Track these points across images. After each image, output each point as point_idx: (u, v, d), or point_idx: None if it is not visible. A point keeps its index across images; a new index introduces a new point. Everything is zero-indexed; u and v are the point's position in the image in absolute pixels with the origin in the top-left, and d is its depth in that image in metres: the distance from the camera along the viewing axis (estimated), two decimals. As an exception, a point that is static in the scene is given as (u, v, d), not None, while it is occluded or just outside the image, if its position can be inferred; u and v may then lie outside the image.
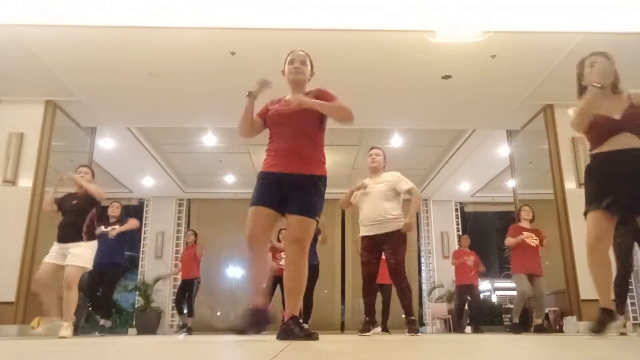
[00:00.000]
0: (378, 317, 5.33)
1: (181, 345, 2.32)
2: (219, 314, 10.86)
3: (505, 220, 6.29)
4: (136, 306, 9.92)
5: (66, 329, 4.40)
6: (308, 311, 5.96)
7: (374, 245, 4.36)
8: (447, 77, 5.73)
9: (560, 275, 6.02)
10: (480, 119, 7.04)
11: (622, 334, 3.94)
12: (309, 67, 3.05)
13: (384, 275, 4.49)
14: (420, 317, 10.97)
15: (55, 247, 4.65)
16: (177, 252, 10.45)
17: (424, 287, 11.10)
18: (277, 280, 5.87)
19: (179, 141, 8.34)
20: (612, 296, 2.92)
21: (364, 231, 4.42)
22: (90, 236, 4.71)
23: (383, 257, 4.42)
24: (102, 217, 6.04)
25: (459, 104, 6.46)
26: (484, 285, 13.78)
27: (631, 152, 2.81)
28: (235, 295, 10.98)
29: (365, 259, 4.41)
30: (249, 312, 2.84)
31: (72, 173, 4.83)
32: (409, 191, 4.38)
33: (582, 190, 3.06)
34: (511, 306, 6.37)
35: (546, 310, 6.16)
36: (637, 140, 2.82)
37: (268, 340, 2.69)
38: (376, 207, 4.31)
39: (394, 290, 4.68)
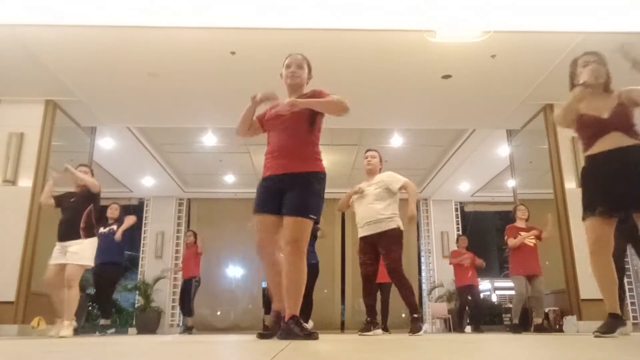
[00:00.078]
0: (379, 317, 5.33)
1: (181, 345, 2.32)
2: (219, 313, 10.86)
3: (505, 220, 6.30)
4: (136, 306, 9.93)
5: (67, 328, 4.41)
6: (308, 311, 5.97)
7: (370, 246, 4.43)
8: (447, 77, 5.73)
9: (560, 275, 6.03)
10: (480, 119, 7.04)
11: (623, 333, 3.95)
12: (306, 70, 3.05)
13: (383, 274, 4.51)
14: (420, 316, 10.97)
15: (57, 247, 4.70)
16: (177, 252, 10.46)
17: (424, 286, 11.10)
18: None
19: (179, 141, 8.34)
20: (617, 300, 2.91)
21: (360, 232, 4.52)
22: (89, 233, 4.72)
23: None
24: (101, 217, 6.06)
25: (459, 104, 6.46)
26: (484, 285, 13.79)
27: (619, 151, 2.81)
28: (235, 295, 10.99)
29: (362, 259, 4.49)
30: (273, 315, 2.88)
31: (69, 165, 4.84)
32: (403, 187, 4.41)
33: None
34: (511, 306, 6.38)
35: (546, 310, 6.17)
36: (625, 139, 2.82)
37: (268, 340, 2.69)
38: (368, 209, 4.41)
39: (394, 289, 4.67)
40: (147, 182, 9.92)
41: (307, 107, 2.83)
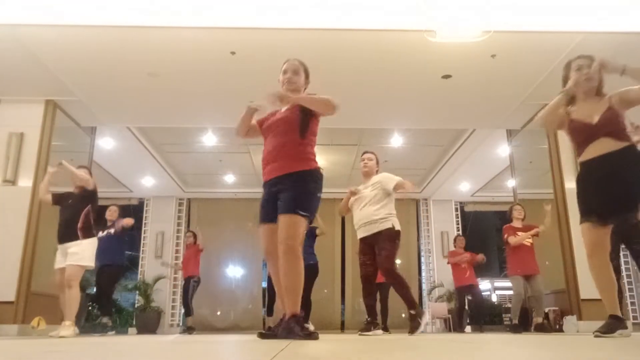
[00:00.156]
0: (380, 317, 5.34)
1: (181, 345, 2.32)
2: (219, 313, 10.86)
3: (505, 220, 6.33)
4: (136, 306, 9.93)
5: (67, 328, 4.41)
6: (307, 311, 5.97)
7: (369, 247, 4.47)
8: (447, 76, 5.73)
9: (560, 274, 6.03)
10: (480, 119, 7.04)
11: (624, 335, 3.94)
12: (303, 76, 3.07)
13: (381, 274, 4.53)
14: (420, 311, 10.95)
15: (58, 250, 4.74)
16: (177, 252, 10.46)
17: (424, 286, 11.11)
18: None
19: (179, 141, 8.34)
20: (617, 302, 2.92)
21: (358, 234, 4.60)
22: (87, 233, 4.72)
23: None
24: (101, 219, 6.08)
25: (459, 104, 6.46)
26: (484, 285, 13.80)
27: (610, 156, 2.82)
28: (235, 295, 10.99)
29: (362, 260, 4.54)
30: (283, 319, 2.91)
31: (64, 160, 4.84)
32: (397, 185, 4.44)
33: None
34: (510, 306, 6.39)
35: (546, 310, 6.18)
36: (615, 143, 2.82)
37: (268, 340, 2.69)
38: (364, 210, 4.48)
39: (392, 289, 4.68)
40: (147, 182, 9.92)
41: (296, 102, 2.87)
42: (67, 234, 4.70)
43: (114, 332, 6.36)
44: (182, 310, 9.31)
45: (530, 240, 5.89)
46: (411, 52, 5.22)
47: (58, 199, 4.93)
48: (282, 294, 2.96)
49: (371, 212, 4.42)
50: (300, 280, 2.75)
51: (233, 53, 5.21)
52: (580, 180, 2.97)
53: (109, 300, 6.44)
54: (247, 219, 10.48)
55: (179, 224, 10.85)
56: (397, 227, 4.40)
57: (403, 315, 10.46)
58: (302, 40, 5.00)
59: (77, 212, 4.74)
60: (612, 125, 2.84)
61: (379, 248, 4.34)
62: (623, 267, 7.75)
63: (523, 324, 6.03)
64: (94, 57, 5.28)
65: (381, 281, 5.05)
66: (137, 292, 9.89)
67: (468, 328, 8.16)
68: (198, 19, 4.75)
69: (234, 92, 5.88)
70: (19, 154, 5.89)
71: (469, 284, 7.63)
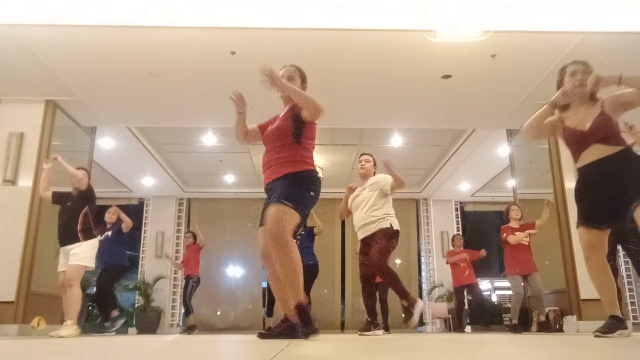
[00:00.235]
0: (381, 318, 5.35)
1: (181, 345, 2.32)
2: (219, 313, 10.86)
3: (504, 220, 6.35)
4: (136, 305, 9.94)
5: (68, 328, 4.42)
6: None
7: (367, 248, 4.50)
8: (447, 76, 5.73)
9: (560, 274, 6.03)
10: (480, 119, 7.04)
11: (624, 335, 3.95)
12: (298, 82, 3.09)
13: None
14: (421, 316, 10.97)
15: (60, 253, 4.76)
16: (177, 252, 10.46)
17: (424, 286, 11.11)
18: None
19: (179, 141, 8.34)
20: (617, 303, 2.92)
21: (358, 236, 4.65)
22: (87, 235, 4.74)
23: None
24: (100, 220, 6.08)
25: (459, 104, 6.46)
26: (484, 285, 13.79)
27: (603, 161, 2.84)
28: (235, 295, 11.00)
29: (361, 260, 4.58)
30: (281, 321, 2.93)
31: (58, 155, 4.84)
32: (393, 185, 4.47)
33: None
34: (510, 305, 6.40)
35: (546, 310, 6.18)
36: (607, 148, 2.83)
37: (268, 340, 2.69)
38: (362, 212, 4.53)
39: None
40: (147, 182, 9.92)
41: (285, 92, 2.90)
42: (67, 237, 4.72)
43: (124, 319, 6.37)
44: (182, 310, 9.33)
45: (527, 240, 5.91)
46: (411, 52, 5.22)
47: (58, 198, 4.94)
48: (279, 297, 2.98)
49: (369, 213, 4.47)
50: (294, 268, 2.72)
51: (233, 53, 5.21)
52: (577, 187, 3.00)
53: (112, 297, 6.46)
54: (247, 219, 10.49)
55: (179, 224, 10.85)
56: (396, 226, 4.42)
57: (403, 315, 10.48)
58: (302, 40, 5.00)
59: (75, 213, 4.76)
60: (603, 130, 2.85)
61: (373, 243, 4.38)
62: (623, 267, 7.77)
63: (523, 324, 6.03)
64: (94, 57, 5.27)
65: (380, 281, 5.06)
66: (137, 292, 9.90)
67: (468, 328, 8.16)
68: (198, 19, 4.75)
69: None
70: (19, 154, 5.89)
71: (468, 283, 7.63)
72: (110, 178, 9.40)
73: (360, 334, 4.29)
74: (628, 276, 8.31)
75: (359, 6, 4.74)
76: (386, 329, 5.88)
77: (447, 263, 8.08)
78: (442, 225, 11.00)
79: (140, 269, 10.46)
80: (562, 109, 3.09)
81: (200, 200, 11.11)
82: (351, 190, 4.74)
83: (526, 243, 5.89)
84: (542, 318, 5.65)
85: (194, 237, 8.25)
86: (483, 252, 7.82)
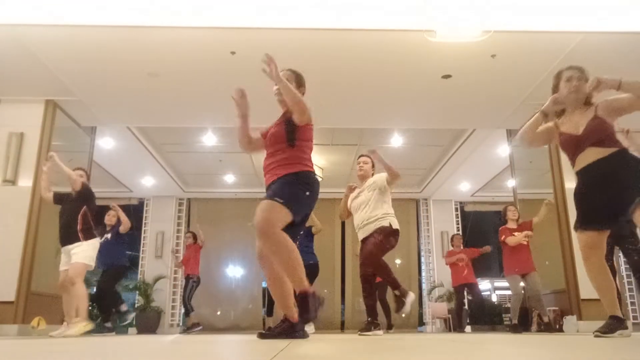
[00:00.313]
0: (381, 318, 5.36)
1: (181, 345, 2.32)
2: (219, 313, 10.86)
3: (503, 221, 6.36)
4: (136, 306, 9.94)
5: (75, 325, 4.49)
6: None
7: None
8: (447, 76, 5.73)
9: (560, 274, 6.03)
10: (480, 119, 7.03)
11: (624, 335, 3.95)
12: (293, 85, 3.08)
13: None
14: (420, 316, 10.98)
15: (62, 253, 4.81)
16: (177, 252, 10.46)
17: (424, 286, 11.11)
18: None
19: (179, 141, 8.34)
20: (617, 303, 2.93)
21: (359, 236, 4.66)
22: (88, 235, 4.78)
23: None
24: (100, 220, 6.09)
25: (459, 104, 6.46)
26: (484, 285, 13.78)
27: (595, 165, 2.86)
28: (235, 295, 11.00)
29: (361, 261, 4.56)
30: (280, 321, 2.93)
31: (55, 157, 4.85)
32: (388, 179, 4.48)
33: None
34: (510, 305, 6.40)
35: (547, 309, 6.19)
36: (602, 150, 2.85)
37: (268, 340, 2.69)
38: (362, 213, 4.55)
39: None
40: (147, 182, 9.92)
41: (279, 85, 2.90)
42: (67, 237, 4.77)
43: (134, 314, 6.40)
44: (182, 310, 9.34)
45: (526, 240, 5.92)
46: (411, 52, 5.22)
47: (59, 199, 4.98)
48: (277, 298, 2.98)
49: (368, 215, 4.49)
50: (290, 255, 2.71)
51: (233, 53, 5.21)
52: (576, 190, 3.02)
53: (116, 295, 6.50)
54: (247, 219, 10.45)
55: (179, 224, 10.85)
56: (395, 225, 4.44)
57: (403, 315, 10.48)
58: (302, 40, 5.00)
59: (74, 214, 4.80)
60: (597, 134, 2.87)
61: (370, 237, 4.41)
62: (623, 267, 7.76)
63: (523, 324, 6.03)
64: (94, 57, 5.28)
65: (380, 281, 5.07)
66: (137, 292, 9.90)
67: (468, 328, 8.15)
68: (198, 19, 4.75)
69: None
70: (19, 154, 5.89)
71: (467, 283, 7.62)
72: (110, 178, 9.39)
73: (360, 334, 4.29)
74: (628, 276, 8.29)
75: (359, 6, 4.73)
76: (389, 327, 5.86)
77: (446, 264, 8.08)
78: (442, 225, 11.00)
79: (140, 269, 10.46)
80: (557, 115, 3.12)
81: (200, 200, 11.11)
82: (351, 189, 4.75)
83: (525, 242, 5.90)
84: (546, 319, 5.63)
85: (194, 237, 8.26)
86: (487, 248, 7.79)
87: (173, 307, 10.32)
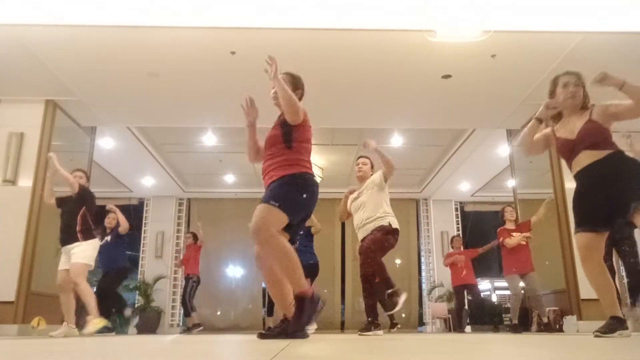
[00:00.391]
0: (383, 318, 5.35)
1: (181, 345, 2.32)
2: (219, 313, 10.86)
3: (501, 221, 6.37)
4: (136, 305, 9.94)
5: (90, 324, 4.58)
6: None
7: None
8: (447, 76, 5.73)
9: (560, 274, 6.03)
10: (480, 119, 7.03)
11: (624, 335, 3.95)
12: (289, 87, 3.08)
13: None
14: (420, 316, 10.99)
15: (62, 252, 4.84)
16: (177, 252, 10.46)
17: (424, 286, 11.11)
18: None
19: (179, 141, 8.34)
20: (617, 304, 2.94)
21: (358, 236, 4.66)
22: (87, 235, 4.82)
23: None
24: (100, 222, 6.10)
25: (459, 104, 6.46)
26: (484, 285, 13.78)
27: (590, 167, 2.87)
28: (235, 295, 11.00)
29: (361, 261, 4.55)
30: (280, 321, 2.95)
31: (54, 158, 4.86)
32: (383, 173, 4.50)
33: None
34: (510, 306, 6.41)
35: (547, 310, 6.19)
36: (596, 153, 2.86)
37: (268, 340, 2.69)
38: (361, 213, 4.57)
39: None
40: (147, 182, 9.92)
41: (275, 82, 2.89)
42: (67, 238, 4.81)
43: (137, 320, 6.44)
44: (182, 310, 9.35)
45: (528, 235, 5.93)
46: (411, 52, 5.22)
47: (60, 202, 5.02)
48: (276, 298, 3.00)
49: (368, 213, 4.50)
50: (287, 258, 2.72)
51: (233, 53, 5.21)
52: (574, 193, 3.04)
53: (119, 299, 6.54)
54: (247, 219, 10.43)
55: (179, 224, 10.85)
56: (394, 225, 4.44)
57: (403, 315, 10.48)
58: (302, 40, 5.00)
59: (73, 215, 4.83)
60: (591, 137, 2.88)
61: (368, 235, 4.41)
62: (622, 267, 7.75)
63: (523, 324, 6.04)
64: (94, 57, 5.28)
65: (380, 281, 5.07)
66: (137, 292, 9.90)
67: (468, 328, 8.15)
68: (198, 19, 4.75)
69: (234, 92, 5.85)
70: (19, 154, 5.89)
71: (466, 284, 7.62)
72: (110, 178, 9.39)
73: (360, 334, 4.29)
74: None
75: (359, 6, 4.73)
76: (393, 325, 5.84)
77: (445, 266, 8.10)
78: (442, 225, 11.00)
79: (140, 269, 10.46)
80: (554, 120, 3.13)
81: (200, 200, 11.11)
82: (350, 193, 4.76)
83: (524, 243, 5.91)
84: (545, 320, 5.64)
85: (195, 237, 8.28)
86: (487, 247, 7.74)
87: (173, 307, 10.32)
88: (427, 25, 4.79)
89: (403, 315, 10.48)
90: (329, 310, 10.60)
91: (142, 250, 10.59)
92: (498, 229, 6.20)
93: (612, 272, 4.56)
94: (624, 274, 8.04)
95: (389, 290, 4.26)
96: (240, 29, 4.84)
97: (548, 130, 3.16)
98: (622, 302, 4.91)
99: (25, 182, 5.83)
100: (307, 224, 6.48)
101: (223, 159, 9.07)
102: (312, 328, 5.41)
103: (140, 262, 10.55)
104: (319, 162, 8.88)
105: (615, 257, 5.13)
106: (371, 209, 4.50)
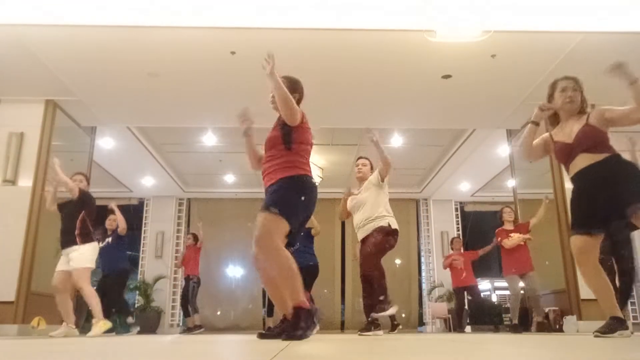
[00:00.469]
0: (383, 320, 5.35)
1: (181, 345, 2.32)
2: (219, 313, 10.86)
3: (500, 222, 6.38)
4: (136, 305, 9.94)
5: (95, 326, 4.61)
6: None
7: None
8: (447, 76, 5.73)
9: (560, 274, 6.03)
10: (480, 119, 7.03)
11: (624, 336, 3.95)
12: None
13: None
14: (420, 316, 10.99)
15: (62, 254, 4.85)
16: (177, 252, 10.46)
17: (424, 286, 11.10)
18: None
19: (179, 141, 8.33)
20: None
21: (358, 236, 4.67)
22: (85, 239, 4.84)
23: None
24: (99, 223, 6.11)
25: (459, 104, 6.46)
26: (484, 285, 13.79)
27: (587, 170, 2.88)
28: (235, 295, 11.00)
29: (360, 261, 4.57)
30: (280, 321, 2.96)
31: (57, 164, 4.87)
32: (380, 171, 4.51)
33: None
34: (509, 306, 6.41)
35: (546, 310, 6.18)
36: (593, 156, 2.88)
37: (268, 340, 2.69)
38: (361, 213, 4.58)
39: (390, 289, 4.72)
40: (147, 182, 9.92)
41: (272, 81, 2.89)
42: (67, 241, 4.82)
43: (138, 328, 6.49)
44: (182, 311, 9.35)
45: (527, 237, 5.93)
46: (411, 52, 5.22)
47: (61, 207, 5.04)
48: (275, 298, 3.01)
49: (367, 216, 4.50)
50: (288, 272, 2.73)
51: (233, 53, 5.21)
52: (572, 197, 3.05)
53: (124, 304, 6.59)
54: (247, 219, 10.48)
55: (179, 224, 10.85)
56: (394, 225, 4.45)
57: (403, 315, 10.48)
58: (302, 40, 5.00)
59: (73, 219, 4.84)
60: (588, 140, 2.90)
61: (369, 237, 4.41)
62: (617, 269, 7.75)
63: (523, 324, 6.04)
64: (94, 57, 5.27)
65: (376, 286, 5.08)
66: (137, 292, 9.90)
67: (468, 328, 8.15)
68: (198, 19, 4.75)
69: (234, 92, 5.88)
70: (19, 154, 5.89)
71: (467, 285, 7.63)
72: (110, 178, 9.39)
73: (360, 334, 4.29)
74: (628, 276, 8.29)
75: (359, 6, 4.73)
76: (394, 327, 5.84)
77: (444, 268, 8.09)
78: (442, 226, 10.99)
79: (140, 269, 10.46)
80: (552, 124, 3.14)
81: (200, 200, 11.10)
82: (348, 195, 4.77)
83: (523, 243, 5.91)
84: (539, 319, 5.65)
85: (195, 237, 8.29)
86: (493, 245, 7.72)
87: (173, 307, 10.32)
88: (427, 25, 4.79)
89: (403, 315, 10.48)
90: (329, 310, 10.61)
91: (142, 250, 10.59)
92: (496, 230, 6.21)
93: (613, 272, 4.55)
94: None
95: (382, 297, 4.26)
96: (240, 29, 4.84)
97: (546, 135, 3.18)
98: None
99: (25, 182, 5.83)
100: (308, 225, 6.50)
101: (223, 159, 9.07)
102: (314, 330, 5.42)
103: (140, 262, 10.55)
104: (319, 162, 8.88)
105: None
106: (370, 209, 4.51)
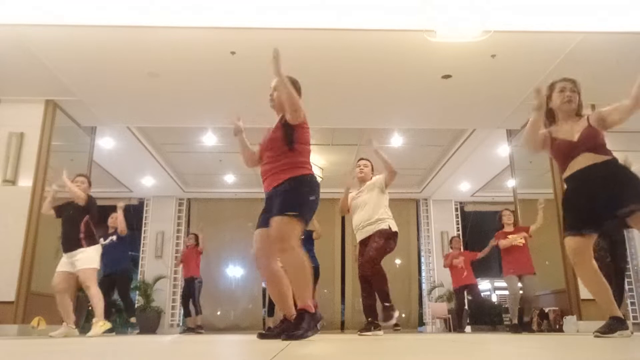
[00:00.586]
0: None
1: (181, 345, 2.32)
2: (219, 313, 10.86)
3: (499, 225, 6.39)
4: (136, 305, 9.93)
5: (95, 326, 4.62)
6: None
7: (365, 249, 4.51)
8: (447, 76, 5.73)
9: (560, 274, 6.03)
10: (480, 119, 7.03)
11: (624, 336, 3.95)
12: None
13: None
14: (420, 316, 10.99)
15: (64, 257, 4.86)
16: (177, 252, 10.46)
17: (424, 286, 11.10)
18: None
19: (179, 141, 8.34)
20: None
21: (357, 237, 4.69)
22: (90, 241, 4.87)
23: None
24: (101, 224, 6.13)
25: (459, 104, 6.46)
26: (484, 285, 13.79)
27: (589, 169, 2.90)
28: (235, 295, 11.00)
29: (360, 262, 4.58)
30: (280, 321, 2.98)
31: (64, 175, 4.90)
32: (385, 179, 4.53)
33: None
34: (509, 306, 6.41)
35: (546, 310, 6.18)
36: (596, 157, 2.90)
37: (268, 340, 2.69)
38: (361, 214, 4.59)
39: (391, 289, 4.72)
40: (147, 182, 9.92)
41: (278, 77, 2.91)
42: (70, 244, 4.82)
43: (138, 329, 6.55)
44: (182, 311, 9.36)
45: (522, 241, 5.93)
46: (411, 52, 5.22)
47: (59, 211, 5.01)
48: (275, 298, 3.02)
49: (368, 217, 4.51)
50: (303, 273, 2.78)
51: (233, 53, 5.21)
52: (566, 195, 3.06)
53: (126, 301, 6.61)
54: (247, 219, 10.50)
55: (179, 224, 10.85)
56: (394, 228, 4.45)
57: (403, 315, 10.48)
58: (302, 40, 5.00)
59: (77, 222, 4.85)
60: (592, 141, 2.92)
61: (370, 241, 4.41)
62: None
63: (523, 324, 6.03)
64: (94, 57, 5.28)
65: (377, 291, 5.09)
66: (137, 292, 9.90)
67: (468, 328, 8.15)
68: (198, 19, 4.75)
69: (234, 92, 5.88)
70: (19, 154, 5.89)
71: (467, 284, 7.63)
72: (110, 178, 9.39)
73: (360, 334, 4.29)
74: (628, 276, 8.30)
75: (359, 6, 4.74)
76: (396, 325, 5.84)
77: (444, 267, 8.10)
78: (442, 226, 10.99)
79: (140, 269, 10.46)
80: (550, 123, 3.16)
81: (200, 200, 11.11)
82: (352, 183, 4.80)
83: (521, 244, 5.91)
84: (527, 319, 5.70)
85: (196, 238, 8.29)
86: (491, 246, 7.72)
87: (173, 307, 10.32)
88: (427, 25, 4.79)
89: (403, 315, 10.48)
90: (329, 310, 10.61)
91: (142, 250, 10.59)
92: (496, 233, 6.24)
93: (611, 270, 4.54)
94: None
95: (386, 304, 4.26)
96: (240, 29, 4.84)
97: (545, 131, 3.18)
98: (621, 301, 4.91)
99: (25, 182, 5.83)
100: (309, 228, 6.52)
101: (223, 159, 9.07)
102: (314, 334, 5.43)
103: (140, 262, 10.55)
104: (319, 162, 8.88)
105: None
106: (371, 210, 4.51)
